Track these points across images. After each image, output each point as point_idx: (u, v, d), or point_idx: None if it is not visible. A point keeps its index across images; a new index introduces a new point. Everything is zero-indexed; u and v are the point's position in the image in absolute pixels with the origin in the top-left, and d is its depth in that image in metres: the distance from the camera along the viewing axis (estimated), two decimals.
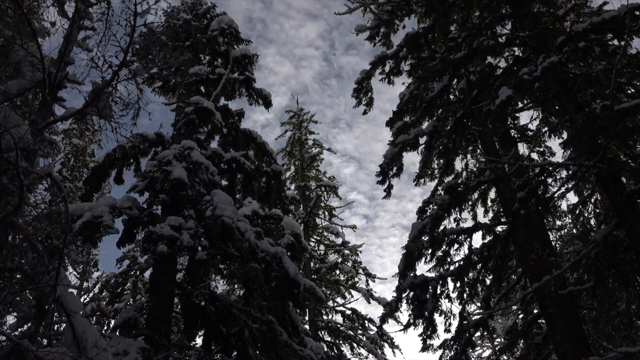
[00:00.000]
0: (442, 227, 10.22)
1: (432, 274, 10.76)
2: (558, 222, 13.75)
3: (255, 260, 8.75)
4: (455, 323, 10.71)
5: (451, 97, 11.45)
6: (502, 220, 10.95)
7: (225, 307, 9.13)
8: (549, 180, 8.70)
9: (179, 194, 8.91)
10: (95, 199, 10.59)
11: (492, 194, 12.11)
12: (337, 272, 19.03)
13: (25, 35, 5.90)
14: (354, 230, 21.26)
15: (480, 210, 13.63)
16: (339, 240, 20.14)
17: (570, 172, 8.86)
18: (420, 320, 10.49)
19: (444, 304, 10.63)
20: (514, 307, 14.98)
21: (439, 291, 10.57)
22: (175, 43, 11.83)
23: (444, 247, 10.73)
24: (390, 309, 10.58)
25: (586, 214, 11.81)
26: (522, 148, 11.73)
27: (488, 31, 10.21)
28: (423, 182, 12.11)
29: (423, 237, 10.15)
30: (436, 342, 10.74)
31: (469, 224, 11.21)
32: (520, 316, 15.36)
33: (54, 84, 5.91)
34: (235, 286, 15.09)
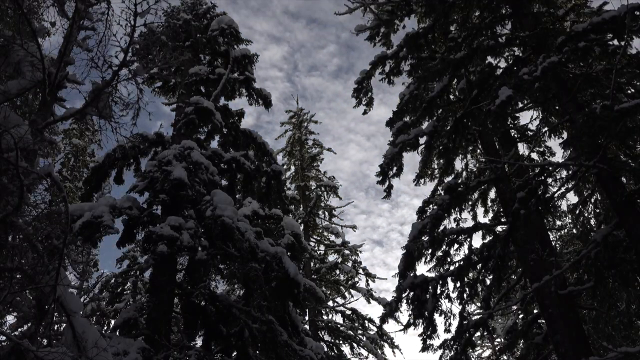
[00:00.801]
0: (442, 227, 10.23)
1: (432, 274, 10.77)
2: (558, 222, 13.75)
3: (255, 260, 8.74)
4: (455, 323, 10.72)
5: (451, 97, 11.46)
6: (502, 220, 10.95)
7: (225, 307, 9.13)
8: (549, 180, 8.70)
9: (179, 194, 8.91)
10: (95, 199, 10.59)
11: (492, 194, 12.12)
12: (337, 272, 19.03)
13: (25, 35, 5.90)
14: (354, 230, 21.28)
15: (480, 210, 13.63)
16: (339, 240, 20.14)
17: (570, 172, 8.86)
18: (420, 320, 10.49)
19: (444, 304, 10.64)
20: (514, 307, 14.98)
21: (439, 291, 10.57)
22: (175, 43, 11.82)
23: (444, 247, 10.73)
24: (390, 309, 10.58)
25: (586, 214, 11.81)
26: (522, 148, 11.74)
27: (488, 31, 10.21)
28: (423, 182, 12.11)
29: (423, 237, 10.15)
30: (436, 342, 10.75)
31: (469, 224, 11.23)
32: (520, 316, 15.35)
33: (54, 84, 5.92)
34: (235, 286, 15.10)
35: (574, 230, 13.89)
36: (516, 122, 11.77)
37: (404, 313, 10.76)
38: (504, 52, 10.60)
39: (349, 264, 19.17)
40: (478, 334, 11.28)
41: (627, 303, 10.15)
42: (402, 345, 26.75)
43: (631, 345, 7.92)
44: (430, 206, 10.61)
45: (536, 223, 9.66)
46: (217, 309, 9.08)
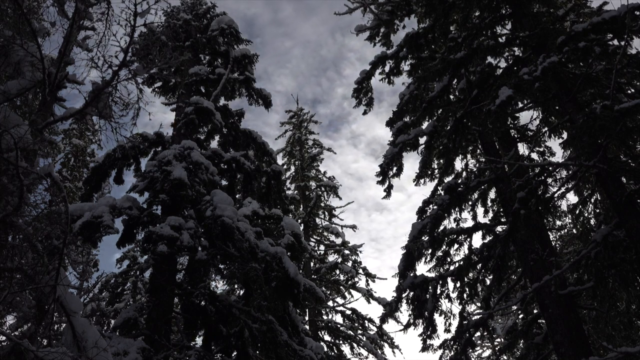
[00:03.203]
0: (442, 227, 10.23)
1: (432, 274, 10.78)
2: (558, 222, 13.74)
3: (255, 260, 8.74)
4: (455, 323, 10.74)
5: (451, 97, 11.46)
6: (502, 220, 10.95)
7: (225, 307, 9.12)
8: (549, 180, 8.70)
9: (179, 194, 8.90)
10: (95, 199, 10.59)
11: (492, 194, 12.12)
12: (337, 272, 19.02)
13: (25, 35, 5.90)
14: (354, 231, 21.26)
15: (480, 210, 13.63)
16: (339, 240, 20.13)
17: (570, 172, 8.86)
18: (420, 320, 10.51)
19: (444, 304, 10.66)
20: (514, 307, 14.98)
21: (439, 291, 10.58)
22: (175, 43, 11.82)
23: (444, 247, 10.74)
24: (390, 309, 10.59)
25: (586, 214, 11.80)
26: (522, 148, 11.74)
27: (488, 31, 10.21)
28: (423, 182, 12.11)
29: (423, 237, 10.16)
30: (436, 342, 10.77)
31: (469, 224, 11.24)
32: (520, 316, 15.36)
33: (54, 84, 5.92)
34: (235, 286, 15.09)
35: (574, 230, 13.88)
36: (516, 122, 11.77)
37: (404, 313, 10.78)
38: (504, 52, 10.60)
39: (349, 264, 19.16)
40: (478, 334, 11.30)
41: (627, 303, 10.14)
42: (402, 345, 26.75)
43: (631, 345, 7.91)
44: (430, 206, 10.61)
45: (536, 223, 9.66)
46: (217, 309, 9.08)
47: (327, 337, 18.07)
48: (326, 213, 20.96)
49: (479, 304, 13.58)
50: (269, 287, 8.93)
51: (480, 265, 10.40)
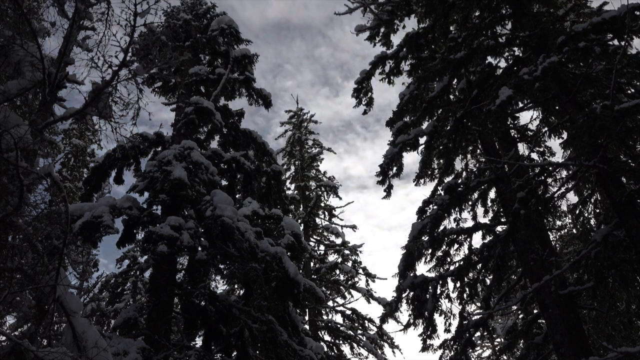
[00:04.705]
0: (442, 227, 10.23)
1: (432, 274, 10.79)
2: (558, 222, 13.73)
3: (255, 260, 8.74)
4: (455, 323, 10.73)
5: (451, 97, 11.45)
6: (502, 220, 10.94)
7: (225, 307, 9.12)
8: (549, 180, 8.70)
9: (179, 194, 8.90)
10: (95, 199, 10.59)
11: (492, 194, 12.12)
12: (337, 272, 19.03)
13: (25, 35, 5.90)
14: (354, 230, 21.26)
15: (480, 210, 13.63)
16: (339, 240, 20.14)
17: (570, 172, 8.86)
18: (420, 320, 10.51)
19: (444, 304, 10.66)
20: (514, 307, 14.97)
21: (439, 291, 10.58)
22: (175, 43, 11.83)
23: (444, 247, 10.74)
24: (390, 309, 10.59)
25: (586, 214, 11.79)
26: (522, 148, 11.74)
27: (488, 31, 10.21)
28: (423, 182, 12.11)
29: (423, 237, 10.16)
30: (436, 342, 10.78)
31: (469, 224, 11.23)
32: (520, 316, 15.36)
33: (54, 84, 5.92)
34: (235, 286, 15.10)
35: (574, 230, 13.87)
36: (516, 122, 11.77)
37: (404, 313, 10.79)
38: (504, 52, 10.59)
39: (349, 264, 19.16)
40: (478, 334, 11.30)
41: (627, 303, 10.14)
42: (402, 345, 26.73)
43: (631, 345, 7.90)
44: (430, 206, 10.61)
45: (536, 223, 9.66)
46: (217, 309, 9.08)
47: (327, 337, 18.07)
48: (326, 213, 20.96)
49: (479, 304, 13.57)
50: (269, 287, 8.93)
51: (480, 265, 10.41)
